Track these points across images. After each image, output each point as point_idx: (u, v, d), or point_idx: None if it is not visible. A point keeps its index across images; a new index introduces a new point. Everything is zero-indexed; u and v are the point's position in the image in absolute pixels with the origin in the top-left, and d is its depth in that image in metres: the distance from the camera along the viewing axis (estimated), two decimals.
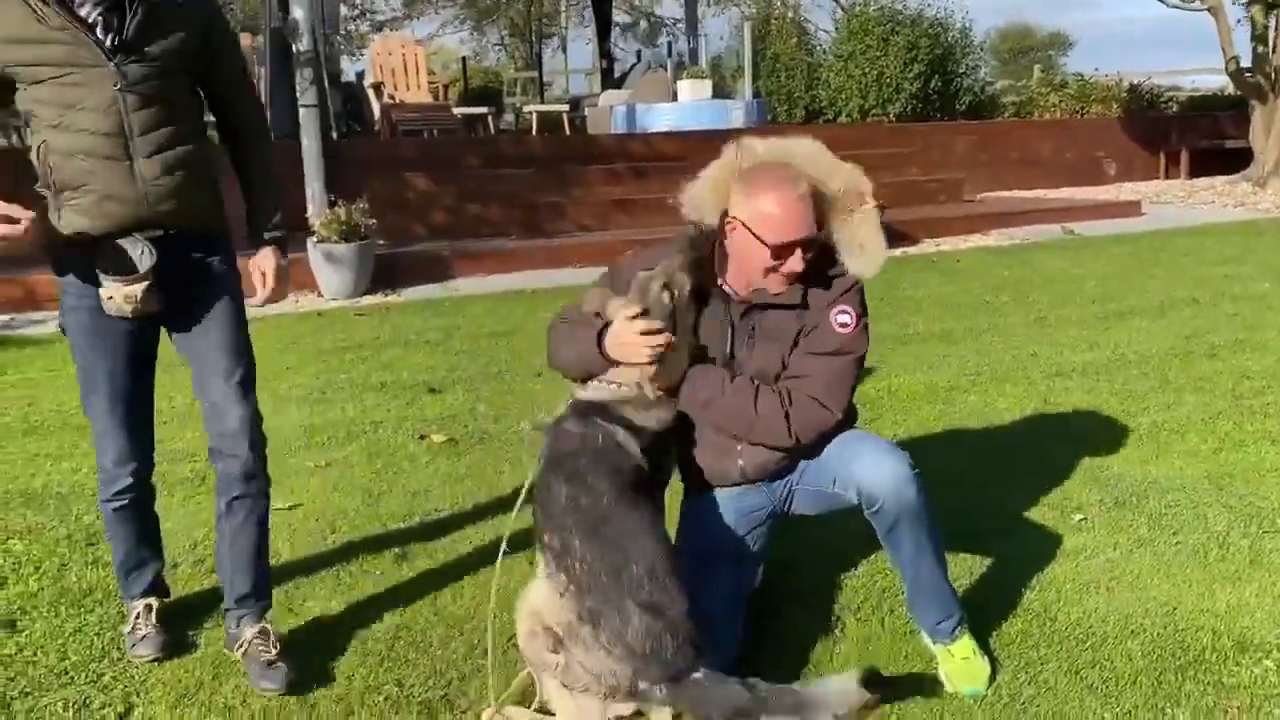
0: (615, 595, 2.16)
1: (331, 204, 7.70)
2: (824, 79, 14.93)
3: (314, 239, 7.56)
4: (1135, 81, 16.77)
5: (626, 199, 9.87)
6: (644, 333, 2.31)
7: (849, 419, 2.52)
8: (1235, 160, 14.30)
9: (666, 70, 14.86)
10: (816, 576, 2.99)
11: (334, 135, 10.06)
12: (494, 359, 5.60)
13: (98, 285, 2.38)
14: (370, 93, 12.20)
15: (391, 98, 12.18)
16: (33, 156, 2.35)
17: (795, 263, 2.37)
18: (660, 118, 12.33)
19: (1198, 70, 18.36)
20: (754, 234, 2.37)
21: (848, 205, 2.46)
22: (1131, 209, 11.21)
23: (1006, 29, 37.63)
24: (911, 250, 9.51)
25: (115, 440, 2.58)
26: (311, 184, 8.24)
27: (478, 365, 5.45)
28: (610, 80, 16.89)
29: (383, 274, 7.85)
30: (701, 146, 11.06)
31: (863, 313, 2.47)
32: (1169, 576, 2.98)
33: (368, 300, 7.52)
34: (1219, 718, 2.33)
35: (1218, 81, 17.61)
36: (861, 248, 2.45)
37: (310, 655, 2.64)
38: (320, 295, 7.64)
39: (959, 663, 2.49)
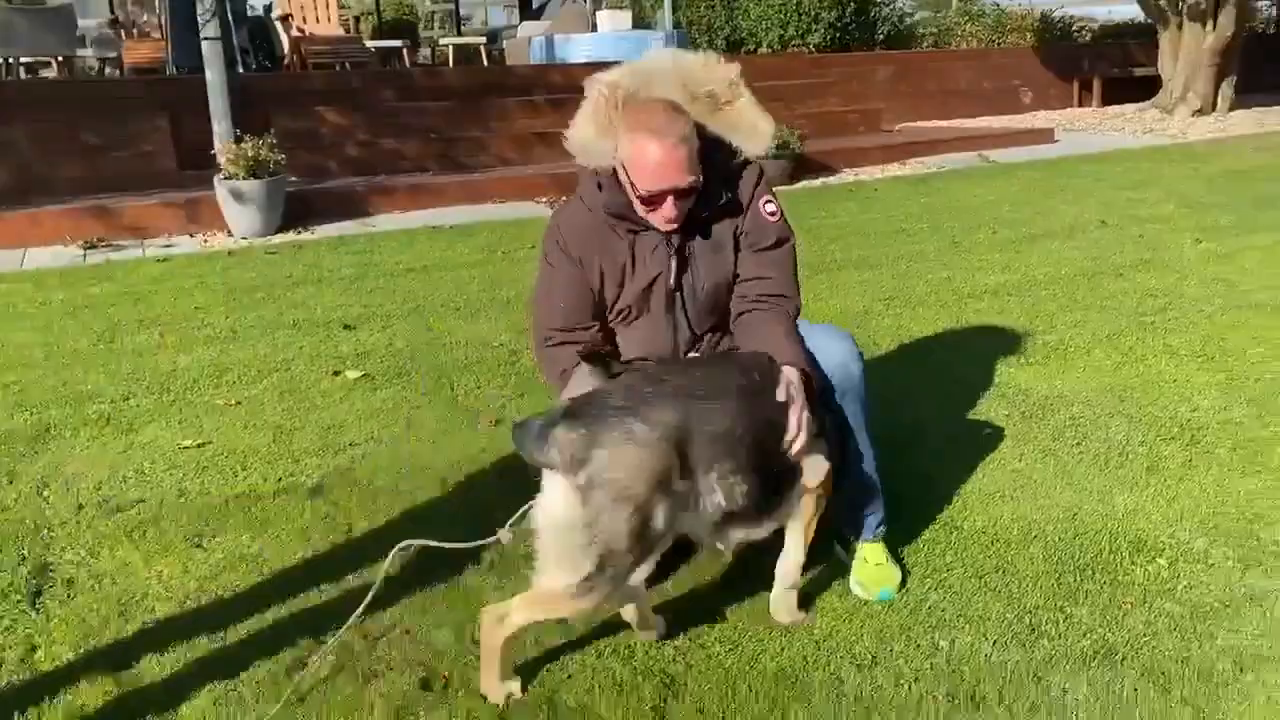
0: None
1: (238, 140, 7.44)
2: (744, 8, 14.79)
3: (220, 176, 7.32)
4: (1048, 11, 16.91)
5: (547, 131, 9.69)
6: None
7: None
8: (1146, 87, 14.59)
9: (585, 1, 14.58)
10: None
11: (239, 69, 9.71)
12: (410, 295, 5.50)
13: None
14: (279, 25, 11.79)
15: (300, 30, 11.77)
16: None
17: (668, 209, 2.31)
18: (579, 49, 12.12)
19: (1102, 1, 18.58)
20: (630, 178, 2.32)
21: (725, 98, 2.44)
22: (1045, 136, 11.39)
23: None
24: (831, 180, 9.55)
25: None
26: (217, 120, 7.95)
27: (394, 301, 5.36)
28: (529, 12, 16.55)
29: (295, 212, 7.65)
30: None
31: (776, 198, 2.50)
32: (1071, 484, 3.08)
33: (280, 238, 7.32)
34: (1114, 613, 2.42)
35: (1132, 11, 17.89)
36: (752, 128, 2.42)
37: (221, 590, 2.60)
38: (230, 234, 7.42)
39: (872, 568, 2.55)
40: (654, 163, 2.26)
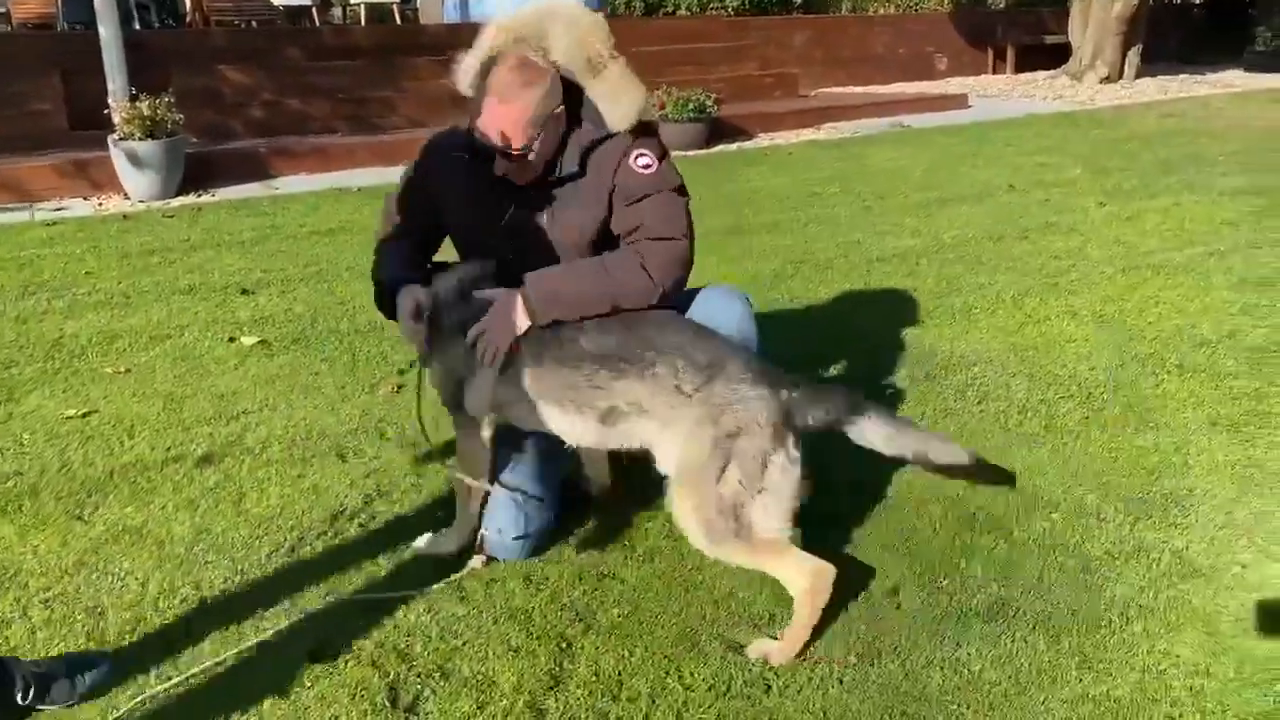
0: None
1: (133, 99, 7.13)
2: None
3: (115, 137, 7.01)
4: None
5: (461, 92, 9.51)
6: None
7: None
8: (1057, 55, 14.86)
9: None
10: None
11: (135, 25, 9.31)
12: (314, 259, 5.35)
13: None
14: None
15: None
16: None
17: (499, 165, 2.34)
18: (495, 6, 11.86)
19: None
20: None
21: (597, 65, 2.39)
22: (959, 102, 11.52)
23: None
24: (746, 145, 9.54)
25: None
26: (112, 77, 7.61)
27: (296, 266, 5.20)
28: None
29: (195, 174, 7.37)
30: None
31: (663, 152, 2.44)
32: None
33: (178, 201, 7.06)
34: (1009, 569, 2.44)
35: None
36: (615, 99, 2.37)
37: (101, 563, 2.49)
38: (126, 197, 7.13)
39: None
40: (488, 118, 2.28)
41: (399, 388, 3.59)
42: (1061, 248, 5.38)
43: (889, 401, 3.41)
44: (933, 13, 16.06)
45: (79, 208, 6.91)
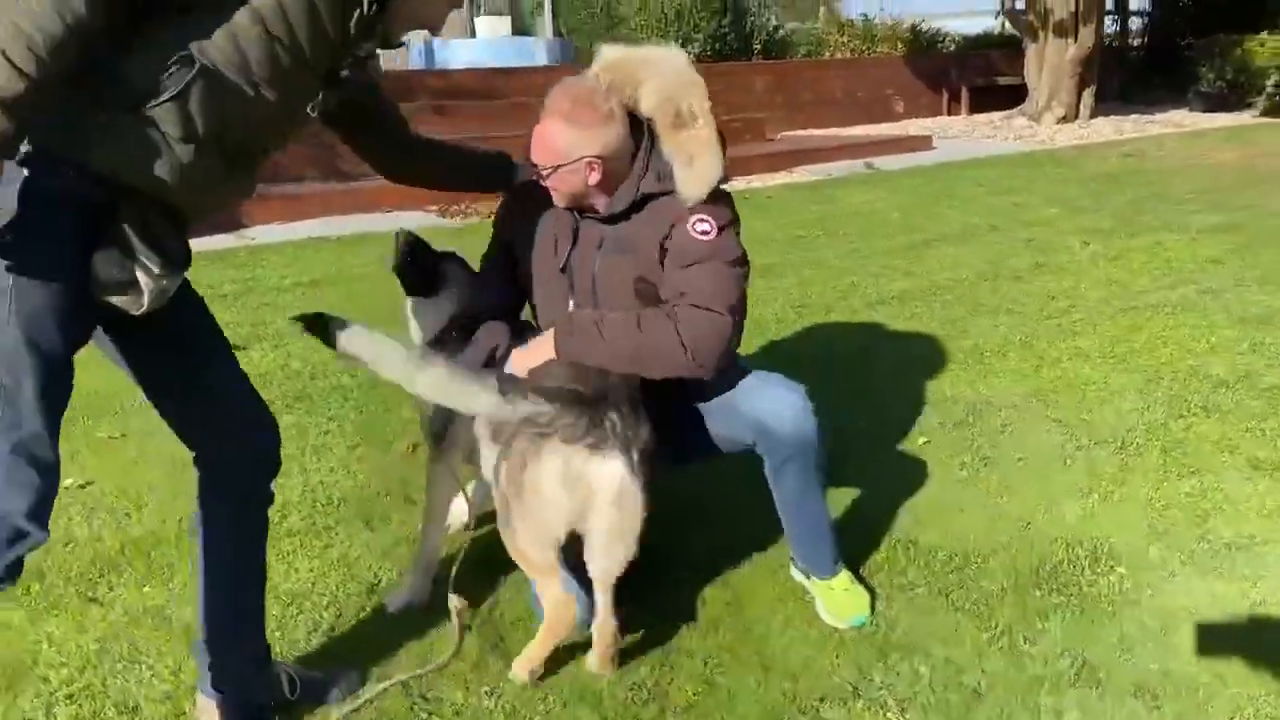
0: None
1: None
2: (623, 18, 14.75)
3: None
4: (915, 23, 17.41)
5: (432, 140, 9.40)
6: None
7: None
8: (1008, 96, 15.16)
9: (462, 6, 14.28)
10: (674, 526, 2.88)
11: None
12: (302, 311, 5.17)
13: None
14: None
15: None
16: None
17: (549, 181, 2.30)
18: (460, 54, 11.83)
19: (958, 14, 19.20)
20: None
21: (685, 122, 2.31)
22: (923, 143, 11.66)
23: None
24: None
25: None
26: None
27: (284, 319, 5.02)
28: None
29: None
30: (509, 82, 10.73)
31: (727, 221, 2.32)
32: (1017, 493, 3.04)
33: None
34: (1086, 627, 2.36)
35: (987, 24, 18.64)
36: (689, 163, 2.28)
37: (126, 650, 2.31)
38: None
39: (840, 595, 2.44)
40: (537, 130, 2.27)
41: (414, 446, 3.44)
42: (1056, 288, 5.38)
43: (925, 452, 3.34)
44: (887, 56, 16.32)
45: None
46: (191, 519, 2.03)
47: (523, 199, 2.47)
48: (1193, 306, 4.90)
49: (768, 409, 2.29)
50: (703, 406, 2.39)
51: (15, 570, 1.58)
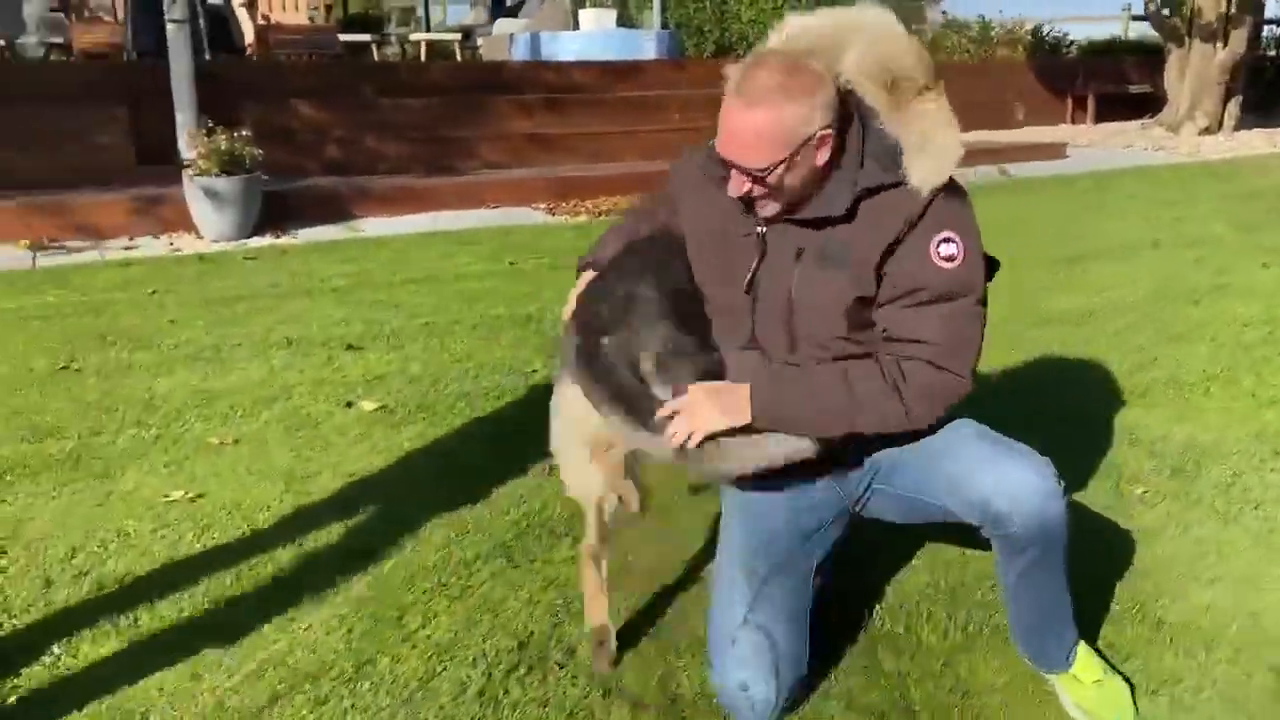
0: None
1: (209, 132, 6.72)
2: (735, 12, 14.29)
3: (190, 172, 6.60)
4: (1038, 25, 16.61)
5: (540, 133, 9.10)
6: None
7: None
8: (1140, 105, 14.33)
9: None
10: (862, 570, 2.45)
11: (205, 56, 8.97)
12: (415, 310, 4.85)
13: None
14: (242, 12, 11.02)
15: (266, 18, 11.05)
16: None
17: (733, 184, 1.83)
18: (567, 47, 11.50)
19: (1088, 19, 18.32)
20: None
21: (906, 93, 1.86)
22: (1056, 151, 10.98)
23: None
24: None
25: None
26: (182, 110, 7.23)
27: (399, 318, 4.71)
28: (501, 9, 15.87)
29: (272, 213, 6.94)
30: (620, 76, 10.36)
31: (973, 235, 1.87)
32: (1276, 560, 2.54)
33: (256, 242, 6.62)
34: None
35: (1102, 30, 17.80)
36: (921, 146, 1.83)
37: (251, 706, 1.97)
38: (198, 236, 6.70)
39: (1091, 688, 1.98)
40: (726, 125, 1.80)
41: (551, 468, 3.06)
42: (1244, 314, 4.80)
43: (1145, 504, 2.85)
44: (1008, 60, 15.57)
45: (150, 247, 6.49)
46: None
47: (679, 195, 2.06)
48: None
49: (1000, 490, 1.82)
50: (893, 454, 1.96)
51: None
